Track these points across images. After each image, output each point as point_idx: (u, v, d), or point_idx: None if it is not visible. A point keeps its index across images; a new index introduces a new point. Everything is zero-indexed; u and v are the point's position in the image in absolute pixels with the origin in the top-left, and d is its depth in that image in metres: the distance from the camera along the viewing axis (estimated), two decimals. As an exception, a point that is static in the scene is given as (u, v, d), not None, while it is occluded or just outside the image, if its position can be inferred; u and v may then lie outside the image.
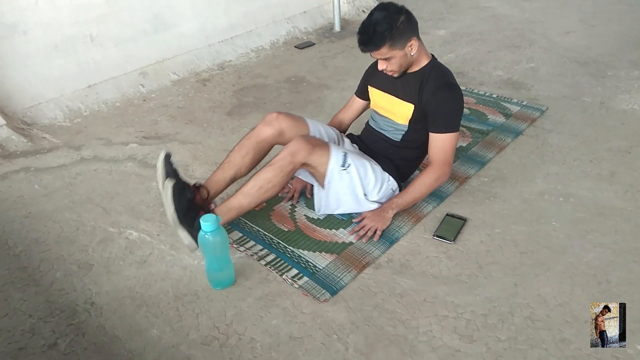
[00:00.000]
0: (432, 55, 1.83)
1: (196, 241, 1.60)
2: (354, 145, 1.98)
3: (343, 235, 1.80)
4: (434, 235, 1.77)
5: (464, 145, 2.30)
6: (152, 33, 3.25)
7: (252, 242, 1.79)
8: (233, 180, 1.87)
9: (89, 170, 2.36)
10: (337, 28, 4.12)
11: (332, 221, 1.87)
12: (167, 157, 1.72)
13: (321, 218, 1.89)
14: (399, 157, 1.90)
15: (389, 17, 1.62)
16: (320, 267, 1.66)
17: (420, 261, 1.67)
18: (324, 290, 1.57)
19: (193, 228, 1.63)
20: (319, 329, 1.45)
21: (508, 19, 4.10)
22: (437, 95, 1.74)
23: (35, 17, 2.70)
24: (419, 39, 1.72)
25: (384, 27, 1.61)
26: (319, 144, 1.73)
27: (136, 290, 1.64)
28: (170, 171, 1.71)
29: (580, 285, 1.53)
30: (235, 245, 1.78)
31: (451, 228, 1.79)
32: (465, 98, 2.52)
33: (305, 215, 1.92)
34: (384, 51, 1.66)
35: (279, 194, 1.97)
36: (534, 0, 4.54)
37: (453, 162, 1.85)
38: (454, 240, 1.73)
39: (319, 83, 3.16)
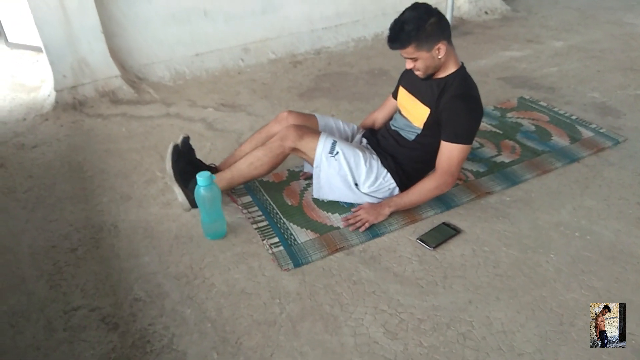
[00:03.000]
0: (462, 63, 1.80)
1: (190, 201, 1.82)
2: (365, 138, 2.03)
3: (335, 219, 1.90)
4: (417, 239, 1.77)
5: (507, 161, 2.20)
6: (259, 13, 3.58)
7: (255, 208, 1.98)
8: None
9: (167, 124, 2.76)
10: (447, 28, 4.04)
11: (333, 206, 1.97)
12: (186, 140, 2.01)
13: (325, 201, 2.00)
14: (406, 156, 1.91)
15: (419, 17, 1.63)
16: (299, 242, 1.79)
17: (390, 258, 1.70)
18: (290, 261, 1.70)
19: (187, 188, 1.84)
20: (268, 291, 1.60)
21: (645, 39, 3.62)
22: (453, 104, 1.72)
23: (160, -11, 3.19)
24: (449, 43, 1.71)
25: (412, 26, 1.63)
26: (309, 132, 1.86)
27: (151, 224, 1.95)
28: (188, 150, 2.00)
29: (537, 321, 1.44)
30: (240, 207, 1.99)
31: (438, 236, 1.78)
32: (537, 115, 2.42)
33: (313, 196, 2.04)
34: (410, 50, 1.68)
35: (301, 177, 2.14)
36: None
37: (458, 173, 1.81)
38: (434, 248, 1.72)
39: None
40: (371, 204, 1.89)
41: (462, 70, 1.78)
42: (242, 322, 1.49)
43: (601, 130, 2.39)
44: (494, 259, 1.68)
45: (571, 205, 1.91)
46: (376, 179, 1.86)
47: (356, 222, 1.84)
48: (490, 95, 2.87)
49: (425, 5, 1.67)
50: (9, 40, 4.18)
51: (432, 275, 1.62)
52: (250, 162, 1.87)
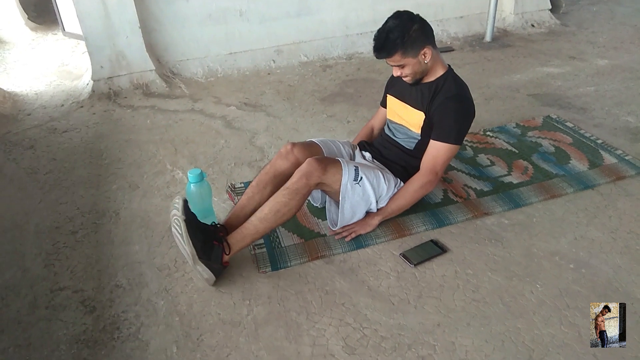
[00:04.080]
0: (449, 65, 1.80)
1: (214, 273, 1.59)
2: (366, 153, 2.00)
3: (324, 226, 1.90)
4: (400, 254, 1.74)
5: (515, 182, 2.10)
6: (294, 16, 3.62)
7: (249, 208, 2.01)
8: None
9: (188, 119, 2.85)
10: (487, 38, 3.92)
11: (326, 213, 1.96)
12: (185, 202, 1.62)
13: (319, 207, 2.00)
14: (411, 165, 1.88)
15: (402, 25, 1.64)
16: (283, 245, 1.80)
17: (369, 271, 1.68)
18: (269, 264, 1.72)
19: (211, 260, 1.58)
20: (241, 292, 1.62)
21: None
22: (444, 105, 1.73)
23: (197, -11, 3.30)
24: (434, 47, 1.72)
25: (396, 34, 1.63)
26: (331, 162, 1.72)
27: (149, 215, 2.02)
28: (189, 215, 1.61)
29: (504, 353, 1.37)
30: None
31: (422, 253, 1.73)
32: (561, 136, 2.32)
33: (308, 201, 2.03)
34: (396, 58, 1.69)
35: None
36: None
37: (442, 173, 1.79)
38: (415, 265, 1.68)
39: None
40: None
41: (450, 72, 1.79)
42: (209, 320, 1.52)
43: (626, 157, 2.23)
44: (475, 283, 1.61)
45: (573, 235, 1.81)
46: (393, 190, 1.84)
47: (343, 231, 1.83)
48: (515, 111, 2.76)
49: (408, 12, 1.68)
50: (66, 29, 4.45)
51: (406, 293, 1.58)
52: (277, 210, 1.64)
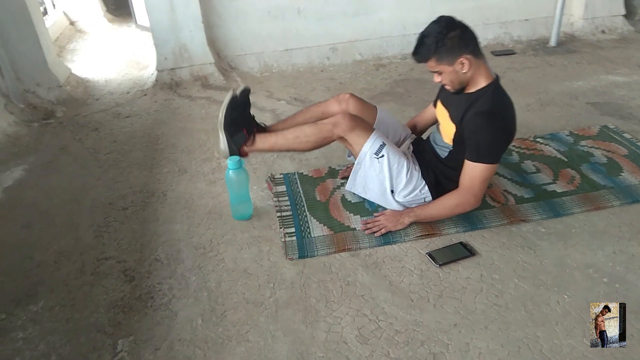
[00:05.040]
0: (496, 76, 1.73)
1: (230, 150, 1.89)
2: (412, 146, 2.01)
3: (354, 220, 1.93)
4: (426, 253, 1.74)
5: (559, 191, 2.04)
6: (351, 15, 3.66)
7: (286, 198, 2.09)
8: None
9: (240, 111, 2.97)
10: (552, 43, 3.77)
11: (358, 208, 2.00)
12: (247, 91, 1.97)
13: (352, 202, 2.04)
14: (443, 173, 1.87)
15: (439, 31, 1.62)
16: (312, 235, 1.86)
17: (393, 267, 1.70)
18: (297, 251, 1.78)
19: (232, 139, 1.89)
20: (267, 275, 1.69)
21: None
22: (474, 121, 1.67)
23: (259, -14, 3.42)
24: (476, 57, 1.66)
25: (432, 40, 1.63)
26: (362, 126, 1.82)
27: (193, 197, 2.15)
28: (245, 102, 1.96)
29: (518, 359, 1.35)
30: (273, 194, 2.11)
31: (449, 254, 1.73)
32: (615, 147, 2.24)
33: (342, 195, 2.09)
34: (432, 64, 1.68)
35: (339, 176, 2.19)
36: None
37: (482, 193, 1.74)
38: (440, 265, 1.68)
39: (477, 92, 3.07)
40: (393, 211, 1.89)
41: (492, 85, 1.70)
42: (234, 298, 1.60)
43: (685, 174, 2.09)
44: (500, 288, 1.59)
45: (612, 249, 1.73)
46: (413, 189, 1.85)
47: (374, 227, 1.86)
48: (571, 119, 2.65)
49: (448, 18, 1.64)
50: (138, 22, 4.76)
51: (426, 291, 1.59)
52: (296, 135, 1.86)
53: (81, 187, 2.27)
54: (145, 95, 3.29)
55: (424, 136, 2.15)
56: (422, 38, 1.66)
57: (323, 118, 1.94)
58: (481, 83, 1.70)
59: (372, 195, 1.93)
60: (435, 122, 2.09)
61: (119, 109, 3.11)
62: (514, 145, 2.38)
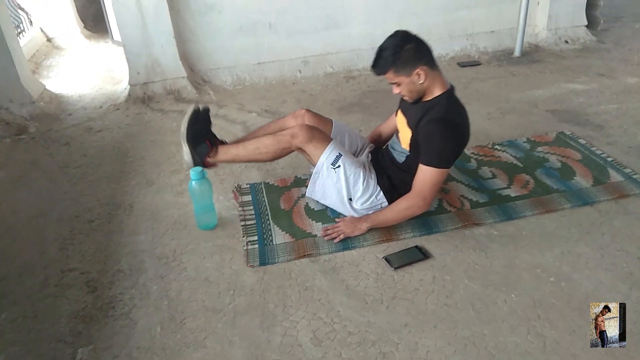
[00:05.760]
0: (451, 86, 1.81)
1: (194, 161, 1.96)
2: (370, 155, 2.08)
3: (316, 227, 1.99)
4: (383, 257, 1.80)
5: (513, 195, 2.11)
6: (322, 29, 3.75)
7: (251, 207, 2.14)
8: None
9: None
10: (517, 53, 3.90)
11: (321, 215, 2.06)
12: (207, 110, 2.04)
13: (315, 209, 2.10)
14: (398, 178, 1.94)
15: (396, 44, 1.72)
16: (274, 243, 1.91)
17: (350, 271, 1.75)
18: (258, 259, 1.83)
19: (195, 150, 1.96)
20: (227, 282, 1.74)
21: None
22: (428, 127, 1.75)
23: (229, 2, 3.49)
24: (431, 68, 1.75)
25: (389, 53, 1.72)
26: (319, 137, 1.90)
27: (159, 208, 2.19)
28: (206, 119, 2.04)
29: (464, 356, 1.41)
30: (238, 204, 2.16)
31: (405, 258, 1.79)
32: (570, 152, 2.33)
33: (306, 203, 2.14)
34: (390, 76, 1.76)
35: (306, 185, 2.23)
36: None
37: (432, 197, 1.81)
38: (395, 268, 1.74)
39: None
40: (352, 218, 1.94)
41: (447, 94, 1.79)
42: (193, 306, 1.64)
43: (634, 176, 2.19)
44: (450, 289, 1.65)
45: (560, 250, 1.80)
46: (370, 197, 1.91)
47: (333, 233, 1.91)
48: (530, 126, 2.75)
49: (404, 32, 1.73)
50: (114, 38, 4.81)
51: (381, 294, 1.65)
52: (256, 146, 1.94)
53: (49, 200, 2.30)
54: (118, 109, 3.33)
55: (385, 145, 2.22)
56: (380, 51, 1.74)
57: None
58: (436, 92, 1.79)
59: (331, 202, 2.00)
60: (395, 129, 2.17)
61: (90, 123, 3.14)
62: (472, 153, 2.47)
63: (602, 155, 2.38)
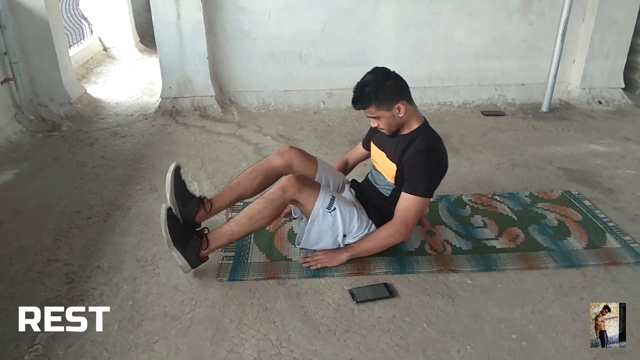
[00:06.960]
0: (425, 119, 1.87)
1: (190, 263, 1.79)
2: (352, 190, 2.11)
3: (293, 251, 2.02)
4: (348, 289, 1.81)
5: (498, 247, 2.08)
6: (350, 64, 3.85)
7: (237, 224, 2.20)
8: (238, 199, 2.03)
9: (225, 141, 3.16)
10: (544, 108, 3.84)
11: (301, 240, 2.09)
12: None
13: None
14: (387, 210, 1.95)
15: (377, 80, 1.78)
16: (249, 261, 1.96)
17: (313, 299, 1.77)
18: (228, 274, 1.88)
19: (186, 250, 1.78)
20: (193, 292, 1.79)
21: None
22: (413, 159, 1.81)
23: (264, 31, 3.67)
24: (409, 102, 1.82)
25: (371, 88, 1.78)
26: (310, 184, 1.86)
27: (153, 214, 2.29)
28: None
29: (399, 398, 1.39)
30: (226, 220, 2.22)
31: (370, 293, 1.78)
32: (571, 212, 2.29)
33: (291, 227, 2.19)
34: (371, 110, 1.82)
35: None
36: None
37: (414, 225, 1.85)
38: (357, 302, 1.74)
39: (456, 147, 3.15)
40: (333, 249, 1.96)
41: (424, 126, 1.86)
42: (154, 310, 1.70)
43: (632, 245, 2.09)
44: (407, 330, 1.63)
45: (531, 308, 1.75)
46: (364, 231, 1.92)
47: (312, 261, 1.93)
48: (537, 182, 2.69)
49: (384, 69, 1.80)
50: (161, 54, 5.09)
51: (336, 325, 1.65)
52: (250, 216, 1.81)
53: (58, 194, 2.45)
54: (146, 119, 3.53)
55: (350, 176, 2.26)
56: (362, 87, 1.80)
57: (268, 174, 2.02)
58: (414, 125, 1.86)
59: (324, 245, 1.94)
60: (363, 158, 2.22)
61: (118, 128, 3.34)
62: (470, 200, 2.45)
63: (604, 219, 2.30)
